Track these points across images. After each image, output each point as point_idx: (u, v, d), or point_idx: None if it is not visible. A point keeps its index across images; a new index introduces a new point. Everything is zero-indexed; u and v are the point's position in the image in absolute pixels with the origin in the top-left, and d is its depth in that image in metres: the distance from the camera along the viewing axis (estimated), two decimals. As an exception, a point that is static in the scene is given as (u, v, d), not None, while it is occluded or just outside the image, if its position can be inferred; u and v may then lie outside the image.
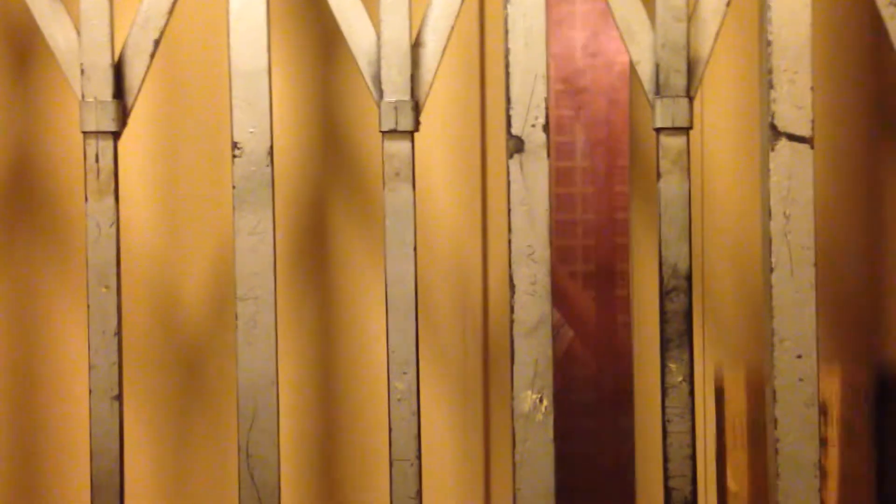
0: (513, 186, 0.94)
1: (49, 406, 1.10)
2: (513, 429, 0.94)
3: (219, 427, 1.10)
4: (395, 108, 0.94)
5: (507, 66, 0.94)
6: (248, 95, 0.95)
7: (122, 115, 0.95)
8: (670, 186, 0.93)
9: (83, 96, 0.94)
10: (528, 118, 0.94)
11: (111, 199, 0.94)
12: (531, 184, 0.94)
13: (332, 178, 1.10)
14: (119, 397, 0.95)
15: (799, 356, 0.93)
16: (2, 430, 1.09)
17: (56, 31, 0.95)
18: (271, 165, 0.95)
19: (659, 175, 0.93)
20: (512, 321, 0.94)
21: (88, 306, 0.94)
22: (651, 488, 1.08)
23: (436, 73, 0.95)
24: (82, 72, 0.94)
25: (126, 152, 1.02)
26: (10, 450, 1.09)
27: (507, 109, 0.94)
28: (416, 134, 0.95)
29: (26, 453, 1.09)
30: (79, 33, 0.94)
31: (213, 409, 1.10)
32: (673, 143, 0.93)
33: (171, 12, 0.96)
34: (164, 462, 1.10)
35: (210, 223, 1.10)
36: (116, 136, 0.95)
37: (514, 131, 0.94)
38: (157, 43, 0.96)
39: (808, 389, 0.93)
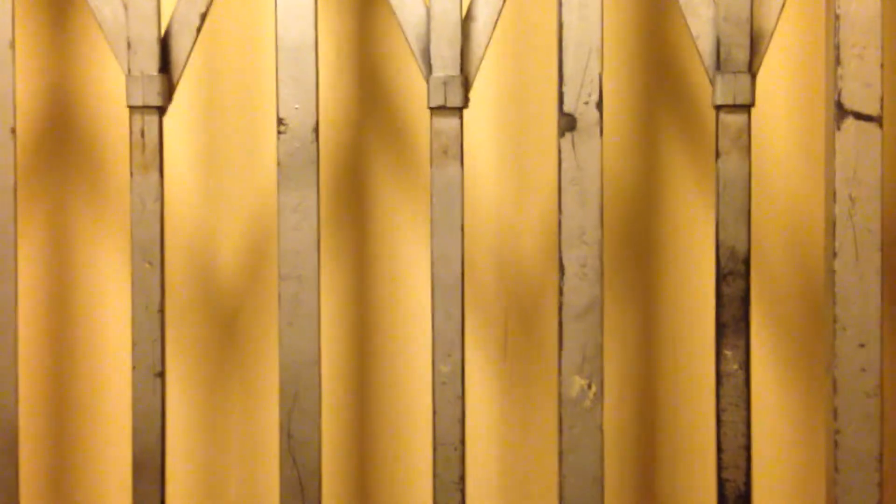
0: (564, 165, 0.91)
1: (90, 380, 1.10)
2: (559, 415, 0.91)
3: (258, 403, 1.09)
4: (444, 84, 0.91)
5: (560, 40, 0.91)
6: (294, 71, 0.93)
7: (168, 89, 0.94)
8: (729, 166, 0.89)
9: (129, 70, 0.93)
10: (582, 95, 0.91)
11: (156, 175, 0.93)
12: (583, 163, 0.91)
13: (378, 155, 1.08)
14: (161, 374, 0.94)
15: (862, 345, 0.89)
16: (43, 406, 1.09)
17: (103, 3, 0.94)
18: (316, 142, 0.93)
19: (717, 154, 0.90)
20: (561, 304, 0.91)
21: (132, 282, 0.94)
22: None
23: (486, 47, 0.92)
24: (129, 46, 0.93)
25: (167, 127, 1.01)
26: (50, 426, 1.09)
27: (560, 86, 0.91)
28: (464, 110, 0.92)
29: (66, 429, 1.10)
30: (125, 7, 0.93)
31: (252, 387, 1.09)
32: (733, 120, 0.89)
33: (217, -15, 0.94)
34: (202, 439, 1.09)
35: (250, 199, 1.09)
36: (162, 110, 0.94)
37: (567, 108, 0.91)
38: (203, 17, 0.94)
39: (870, 379, 0.89)
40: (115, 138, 1.08)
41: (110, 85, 1.08)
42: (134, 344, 0.94)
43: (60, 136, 1.09)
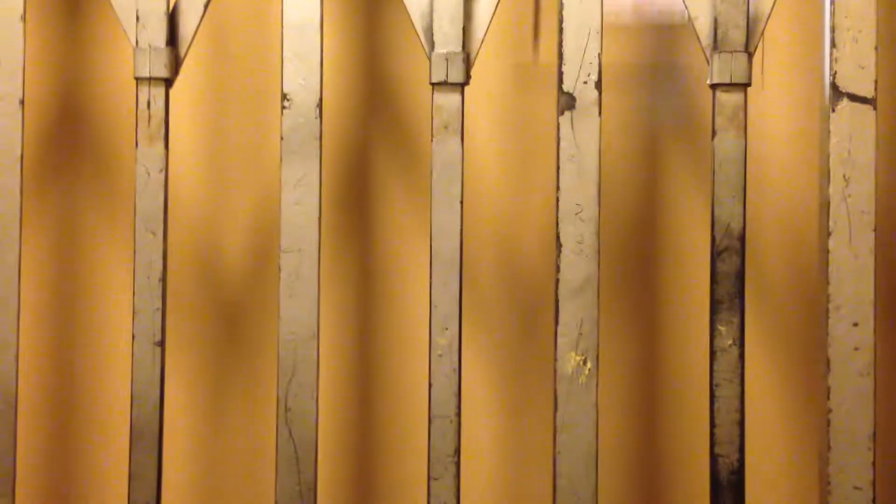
0: (562, 144, 0.92)
1: (91, 350, 1.11)
2: (555, 391, 0.92)
3: (257, 378, 1.10)
4: (446, 60, 0.93)
5: (560, 20, 0.92)
6: (298, 48, 0.94)
7: (175, 62, 0.96)
8: (725, 144, 0.90)
9: (137, 43, 0.95)
10: (581, 75, 0.92)
11: (161, 146, 0.95)
12: (582, 141, 0.92)
13: (379, 130, 1.10)
14: (161, 343, 0.95)
15: (855, 324, 0.89)
16: (44, 375, 1.10)
17: (113, -21, 0.96)
18: (320, 118, 0.95)
19: (714, 132, 0.91)
20: (557, 280, 0.92)
21: (135, 251, 0.95)
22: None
23: (488, 26, 0.94)
24: (137, 19, 0.95)
25: (174, 102, 1.02)
26: (51, 394, 1.10)
27: (560, 65, 0.92)
28: (465, 87, 0.94)
29: (67, 398, 1.10)
30: (135, -17, 0.95)
31: (252, 360, 1.10)
32: (729, 99, 0.90)
33: (226, -36, 0.96)
34: (201, 410, 1.10)
35: (254, 174, 1.10)
36: (168, 83, 0.95)
37: (566, 87, 0.92)
38: (211, -6, 0.96)
39: (863, 358, 0.89)
40: (123, 113, 1.10)
41: (120, 61, 1.10)
42: (135, 313, 0.95)
43: (70, 111, 1.11)
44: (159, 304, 0.95)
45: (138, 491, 0.94)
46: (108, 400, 1.10)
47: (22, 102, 0.96)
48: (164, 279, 0.95)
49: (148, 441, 0.94)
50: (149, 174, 0.95)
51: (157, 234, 0.95)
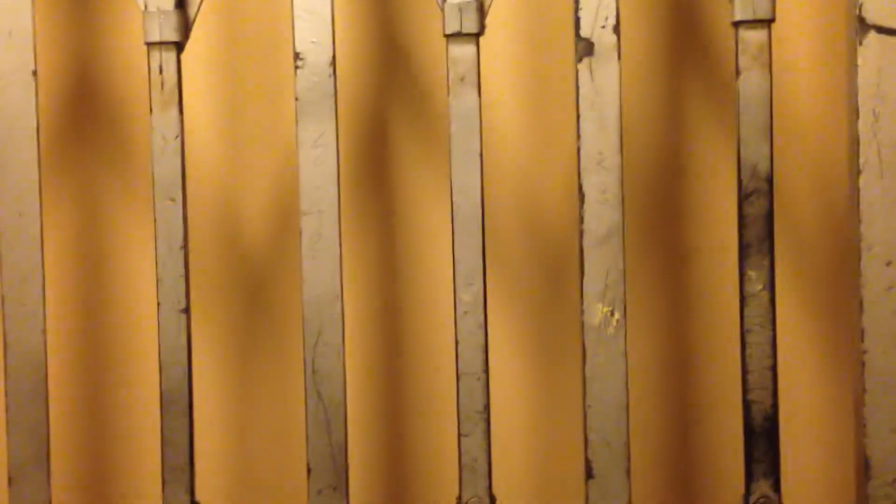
0: (581, 91, 0.91)
1: (117, 319, 1.11)
2: (583, 343, 0.91)
3: (283, 341, 1.10)
4: (460, 10, 0.91)
5: (575, -36, 0.90)
6: (309, 4, 0.93)
7: (185, 25, 0.94)
8: (750, 83, 0.88)
9: (146, 6, 0.94)
10: (598, 19, 0.90)
11: (175, 111, 0.94)
12: (601, 88, 0.90)
13: (396, 86, 1.08)
14: (187, 310, 0.95)
15: (888, 263, 0.88)
16: (72, 345, 1.11)
17: (119, -57, 0.94)
18: (334, 76, 0.93)
19: (738, 72, 0.88)
20: (581, 231, 0.91)
21: (155, 219, 0.95)
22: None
23: (501, -27, 0.92)
24: (144, -18, 0.94)
25: (186, 67, 1.01)
26: (80, 365, 1.11)
27: (576, 10, 0.90)
28: (480, 38, 0.92)
29: (94, 369, 1.11)
30: (141, -54, 0.94)
31: (278, 323, 1.10)
32: (754, 36, 0.88)
33: (232, -77, 0.94)
34: (229, 375, 1.11)
35: (271, 136, 1.09)
36: (180, 46, 0.94)
37: (583, 33, 0.90)
38: (218, -46, 0.95)
39: (898, 298, 0.88)
40: (136, 80, 1.09)
41: (131, 27, 1.09)
42: (158, 281, 0.95)
43: (82, 80, 1.10)
44: (182, 272, 0.95)
45: (172, 456, 0.95)
46: (137, 368, 1.10)
47: (35, 73, 0.96)
48: (185, 246, 0.95)
49: (178, 407, 0.95)
50: (165, 140, 0.94)
51: (177, 200, 0.95)
